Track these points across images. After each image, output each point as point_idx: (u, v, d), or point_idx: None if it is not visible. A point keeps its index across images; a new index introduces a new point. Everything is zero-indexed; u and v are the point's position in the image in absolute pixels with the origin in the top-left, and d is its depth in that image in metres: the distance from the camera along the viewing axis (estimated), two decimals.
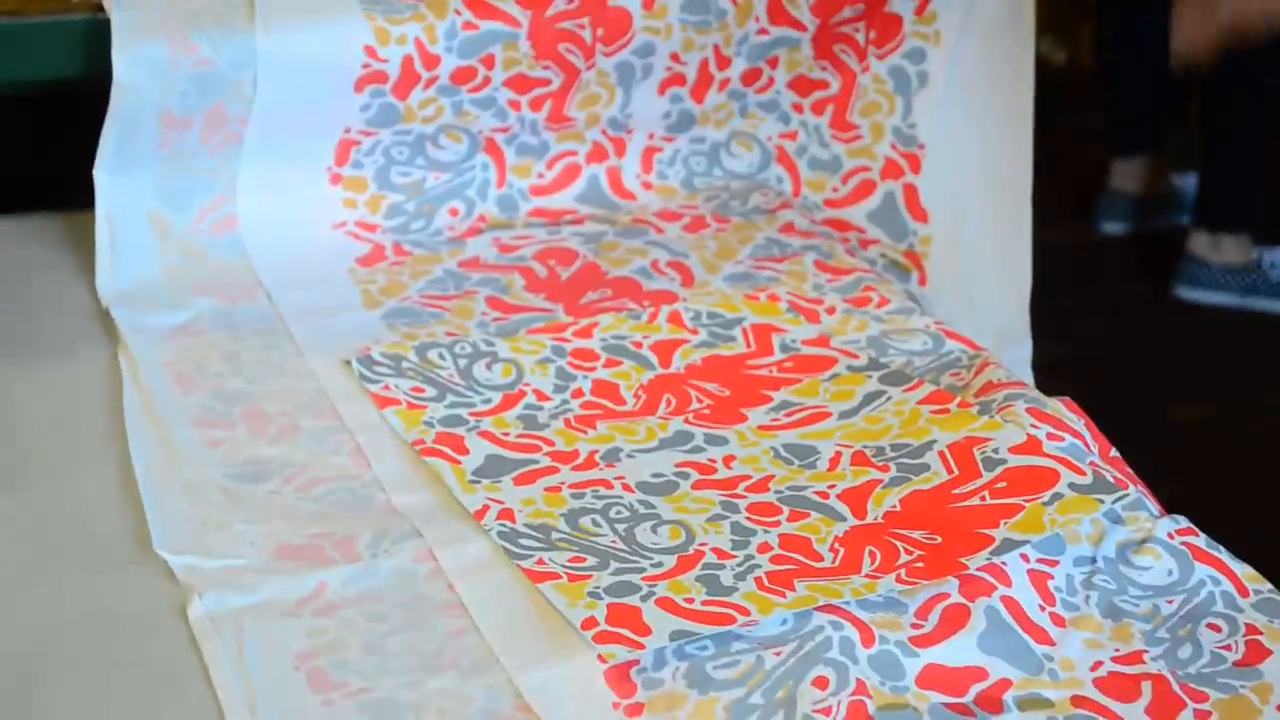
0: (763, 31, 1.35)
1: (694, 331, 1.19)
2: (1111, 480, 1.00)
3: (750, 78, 1.37)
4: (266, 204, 1.27)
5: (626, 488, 1.03)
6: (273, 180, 1.27)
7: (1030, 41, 1.44)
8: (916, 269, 1.39)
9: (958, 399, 1.09)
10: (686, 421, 1.10)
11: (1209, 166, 2.80)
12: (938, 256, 1.39)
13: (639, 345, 1.17)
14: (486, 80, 1.29)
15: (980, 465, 1.02)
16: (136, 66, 1.19)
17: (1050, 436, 1.03)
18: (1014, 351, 1.35)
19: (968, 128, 1.41)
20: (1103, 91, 2.95)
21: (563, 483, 1.03)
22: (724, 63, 1.35)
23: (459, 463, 1.05)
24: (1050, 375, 1.32)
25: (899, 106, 1.39)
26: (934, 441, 1.05)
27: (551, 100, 1.32)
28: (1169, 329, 2.68)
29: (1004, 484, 1.00)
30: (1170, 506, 1.04)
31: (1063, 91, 2.96)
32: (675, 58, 1.33)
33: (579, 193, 1.35)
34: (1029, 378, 1.32)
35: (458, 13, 1.26)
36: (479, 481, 1.03)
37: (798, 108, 1.39)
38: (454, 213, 1.32)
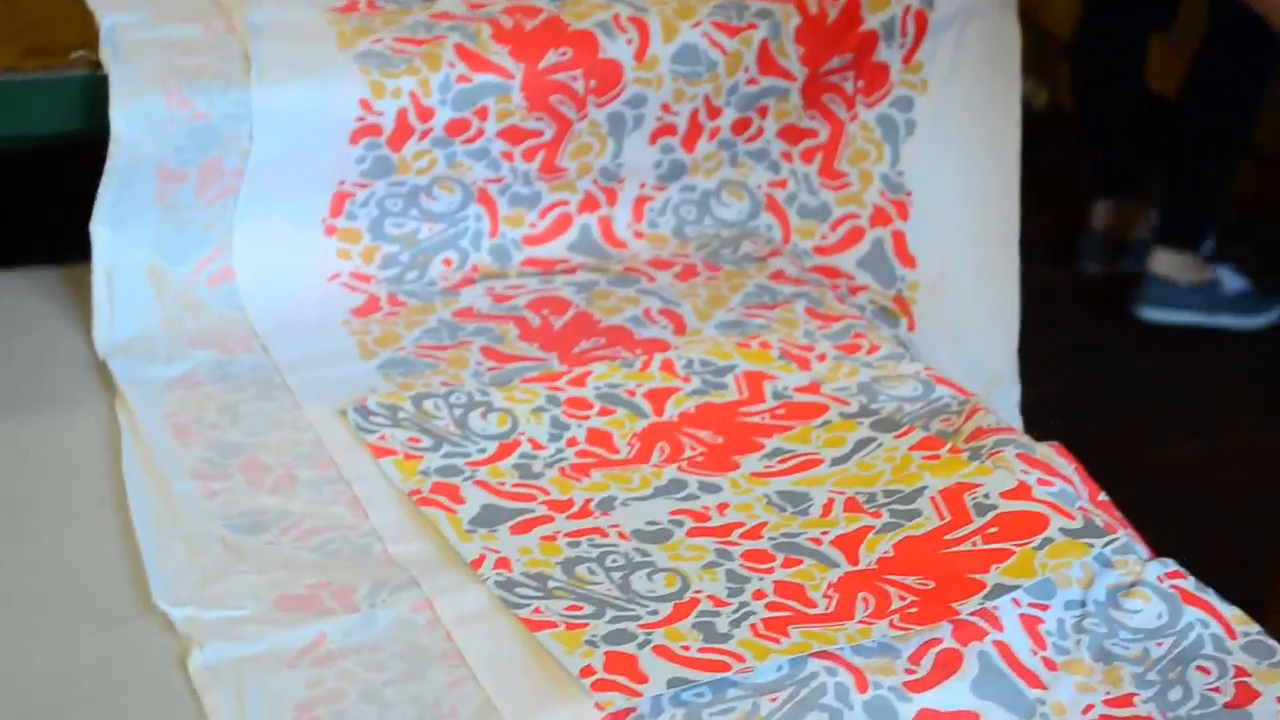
0: (752, 81, 1.36)
1: (686, 379, 1.20)
2: (1101, 525, 1.02)
3: (740, 127, 1.39)
4: (262, 256, 1.28)
5: (622, 536, 1.04)
6: (269, 232, 1.28)
7: (1016, 88, 1.46)
8: (905, 315, 1.40)
9: (948, 445, 1.10)
10: (680, 469, 1.11)
11: (1179, 186, 2.83)
12: (926, 302, 1.41)
13: (632, 394, 1.18)
14: (480, 132, 1.30)
15: (971, 511, 1.03)
16: (134, 121, 1.20)
17: (1040, 482, 1.05)
18: (1003, 396, 1.37)
19: (955, 174, 1.43)
20: (1081, 133, 2.97)
21: (558, 531, 1.04)
22: (714, 112, 1.37)
23: (455, 512, 1.06)
24: (1035, 416, 1.33)
25: (887, 154, 1.41)
26: (925, 487, 1.06)
27: (544, 151, 1.34)
28: (1153, 366, 2.70)
29: (995, 529, 1.01)
30: (1159, 547, 1.06)
31: (1045, 132, 2.99)
32: (666, 108, 1.35)
33: (571, 242, 1.37)
34: (1018, 422, 1.33)
35: (451, 66, 1.28)
36: (475, 531, 1.04)
37: (787, 156, 1.41)
38: (448, 263, 1.34)
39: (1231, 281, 2.80)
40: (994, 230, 1.44)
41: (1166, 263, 2.77)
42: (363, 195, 1.30)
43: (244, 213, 1.27)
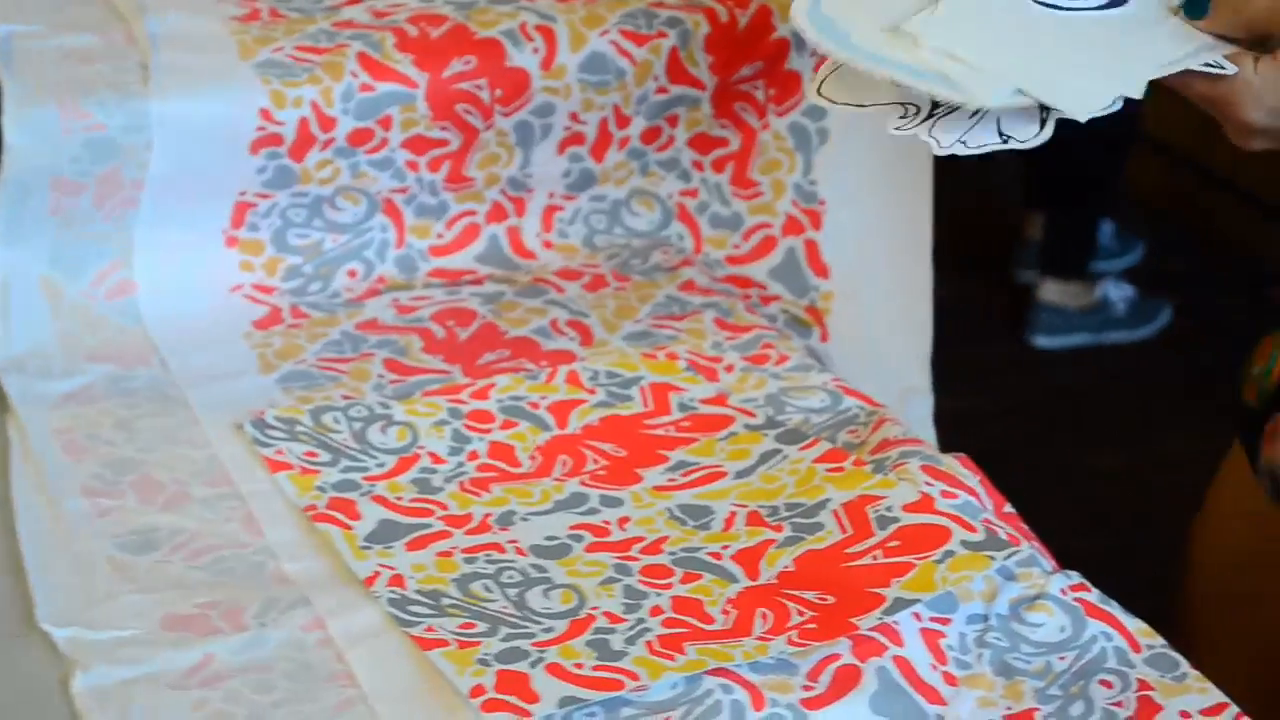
0: (662, 90, 1.35)
1: (591, 391, 1.18)
2: (1004, 537, 1.01)
3: (650, 136, 1.37)
4: (163, 268, 1.26)
5: (519, 551, 1.02)
6: (169, 244, 1.26)
7: None
8: (818, 325, 1.39)
9: (853, 457, 1.09)
10: (582, 483, 1.10)
11: (1056, 216, 2.85)
12: (839, 312, 1.40)
13: (536, 406, 1.17)
14: (384, 142, 1.28)
15: (874, 524, 1.02)
16: (27, 133, 1.18)
17: (944, 494, 1.04)
18: (916, 408, 1.35)
19: (868, 183, 1.42)
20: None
21: (455, 547, 1.02)
22: (624, 121, 1.36)
23: (351, 528, 1.04)
24: (961, 428, 1.32)
25: (799, 163, 1.40)
26: (828, 500, 1.05)
27: (450, 161, 1.32)
28: (1081, 378, 2.71)
29: (896, 542, 1.00)
30: (1067, 559, 1.05)
31: None
32: (575, 117, 1.34)
33: (479, 252, 1.35)
34: (931, 434, 1.32)
35: (354, 75, 1.26)
36: (370, 547, 1.02)
37: (698, 165, 1.40)
38: (352, 274, 1.32)
39: (1119, 295, 2.83)
40: (907, 239, 1.43)
41: (1054, 291, 2.80)
42: (265, 206, 1.28)
43: (143, 225, 1.25)
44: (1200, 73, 0.92)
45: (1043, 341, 2.81)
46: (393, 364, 1.22)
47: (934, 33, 0.93)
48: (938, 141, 0.92)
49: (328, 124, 1.25)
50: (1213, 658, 1.04)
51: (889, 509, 1.02)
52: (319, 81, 1.25)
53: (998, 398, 2.55)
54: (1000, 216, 3.02)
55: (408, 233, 1.34)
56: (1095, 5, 0.95)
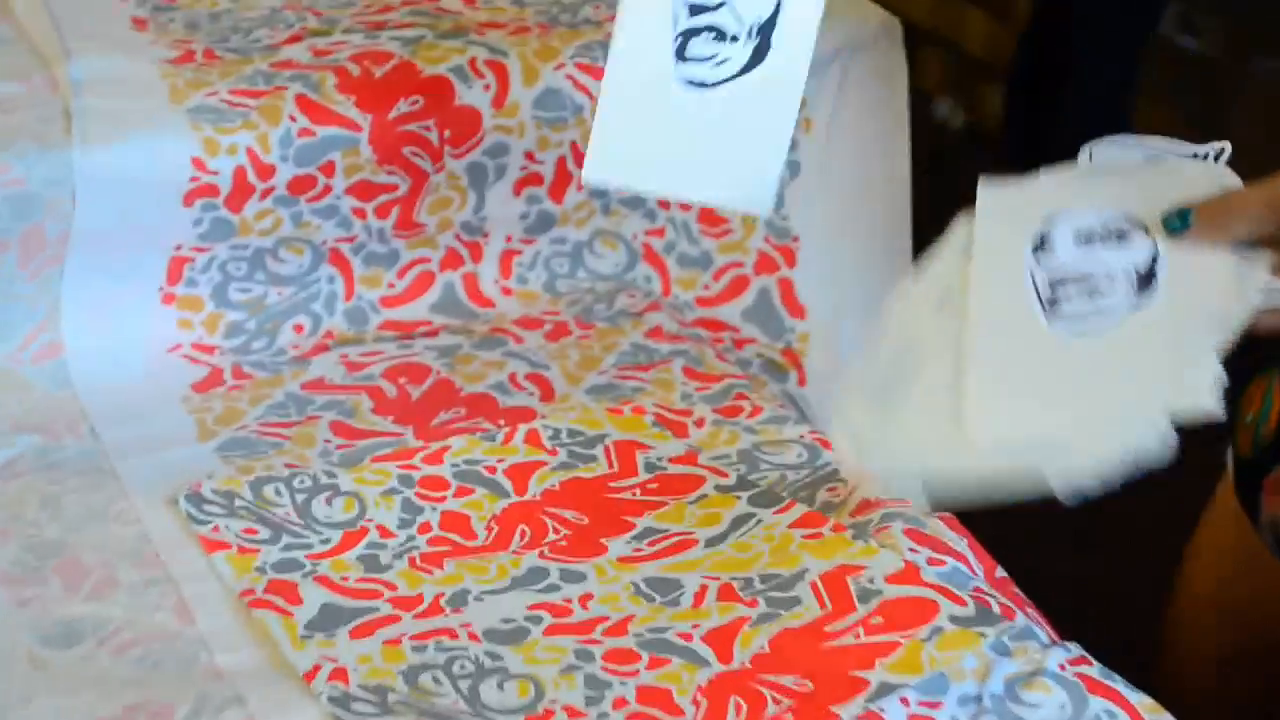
0: None
1: (553, 452, 1.11)
2: (997, 610, 0.93)
3: None
4: (94, 329, 1.18)
5: (473, 636, 0.94)
6: (100, 303, 1.18)
7: (904, 124, 1.38)
8: (795, 368, 1.32)
9: (831, 521, 1.01)
10: (541, 556, 1.02)
11: None
12: (817, 354, 1.32)
13: (493, 470, 1.09)
14: (327, 189, 1.21)
15: (855, 597, 0.94)
16: None
17: (930, 561, 0.96)
18: None
19: (844, 217, 1.35)
20: (1010, 164, 2.90)
21: (403, 634, 0.95)
22: (583, 159, 1.28)
23: (291, 615, 0.96)
24: None
25: None
26: (806, 571, 0.97)
27: (399, 206, 1.24)
28: None
29: (880, 619, 0.92)
30: (1063, 627, 0.98)
31: (966, 152, 2.92)
32: (530, 156, 1.26)
33: (433, 302, 1.27)
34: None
35: (292, 119, 1.18)
36: (311, 636, 0.94)
37: (664, 203, 1.32)
38: (299, 329, 1.24)
39: None
40: (887, 274, 1.36)
41: None
42: (202, 260, 1.20)
43: (71, 283, 1.17)
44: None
45: None
46: (340, 427, 1.14)
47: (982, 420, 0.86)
48: None
49: (266, 172, 1.18)
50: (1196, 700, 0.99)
51: (871, 580, 0.95)
52: (255, 127, 1.17)
53: None
54: None
55: (357, 283, 1.26)
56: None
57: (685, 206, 1.32)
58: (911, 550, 0.97)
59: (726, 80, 0.98)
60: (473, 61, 1.24)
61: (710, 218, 1.33)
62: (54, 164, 1.13)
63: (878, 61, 1.34)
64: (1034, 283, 0.88)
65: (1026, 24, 2.74)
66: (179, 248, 1.19)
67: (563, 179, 1.29)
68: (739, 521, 1.03)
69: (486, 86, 1.23)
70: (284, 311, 1.24)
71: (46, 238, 1.15)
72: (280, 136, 1.18)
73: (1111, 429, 0.83)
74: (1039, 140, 2.78)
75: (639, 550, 1.02)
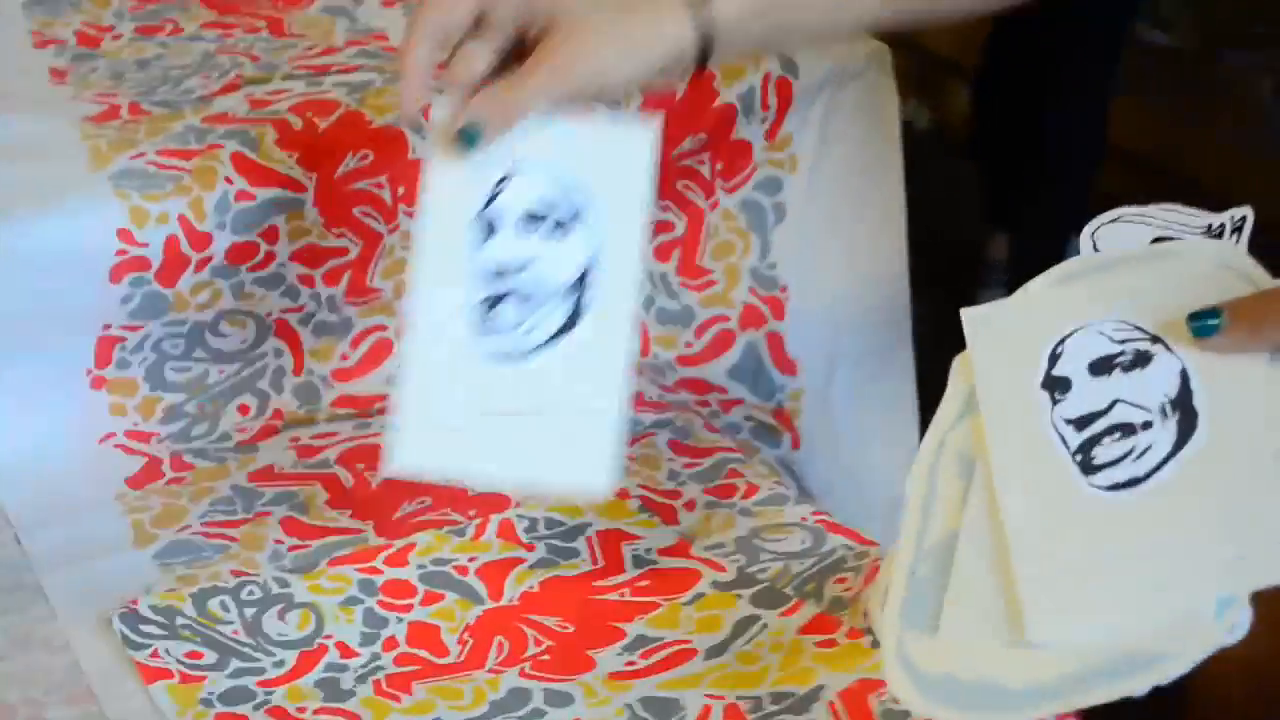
0: None
1: (530, 547, 1.00)
2: None
3: None
4: (15, 421, 1.07)
5: None
6: (22, 390, 1.07)
7: (897, 153, 1.27)
8: (788, 429, 1.21)
9: (845, 625, 0.90)
10: (522, 674, 0.91)
11: (1021, 235, 2.71)
12: (810, 413, 1.22)
13: (464, 571, 0.98)
14: (270, 256, 1.09)
15: None
16: None
17: None
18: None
19: (835, 262, 1.24)
20: (978, 164, 2.81)
21: None
22: None
23: None
24: None
25: (755, 245, 1.22)
26: (821, 688, 0.86)
27: (350, 271, 1.13)
28: None
29: None
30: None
31: (930, 155, 2.82)
32: None
33: (391, 373, 1.16)
34: None
35: (229, 181, 1.07)
36: None
37: None
38: (244, 410, 1.12)
39: None
40: (883, 319, 1.26)
41: None
42: (134, 339, 1.09)
43: None
44: None
45: None
46: (292, 525, 1.02)
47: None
48: None
49: (201, 241, 1.06)
50: None
51: (896, 700, 0.84)
52: (187, 191, 1.06)
53: None
54: (961, 234, 2.86)
55: (306, 357, 1.14)
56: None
57: (662, 258, 1.21)
58: None
59: (539, 348, 0.90)
60: (426, 110, 1.12)
61: (690, 269, 1.22)
62: None
63: (866, 92, 1.23)
64: (1060, 437, 0.77)
65: (994, 21, 2.65)
66: (107, 327, 1.08)
67: None
68: (742, 626, 0.93)
69: None
70: (227, 391, 1.12)
71: None
72: (216, 202, 1.06)
73: (1191, 616, 0.72)
74: (1011, 142, 2.69)
75: (632, 664, 0.91)
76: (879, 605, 0.80)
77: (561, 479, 0.91)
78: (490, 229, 0.91)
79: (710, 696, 0.88)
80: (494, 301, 0.89)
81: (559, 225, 0.90)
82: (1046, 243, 2.69)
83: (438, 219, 0.90)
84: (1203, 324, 0.76)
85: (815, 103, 1.21)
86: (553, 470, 0.90)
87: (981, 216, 2.87)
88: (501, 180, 0.91)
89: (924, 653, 0.76)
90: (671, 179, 1.20)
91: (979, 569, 0.76)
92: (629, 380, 0.90)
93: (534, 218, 0.91)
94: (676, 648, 0.92)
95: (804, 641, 0.90)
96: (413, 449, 0.88)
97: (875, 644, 0.88)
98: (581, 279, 0.90)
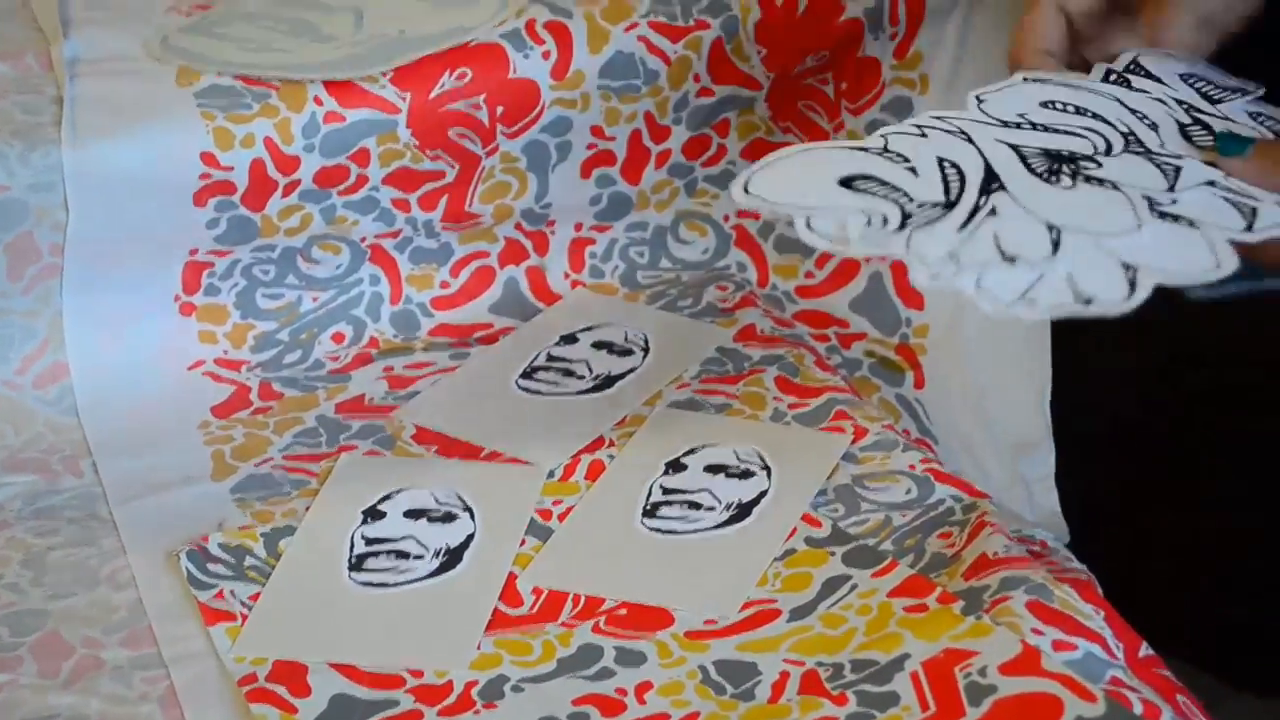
0: (705, 92, 1.11)
1: None
2: (1138, 707, 0.76)
3: (695, 148, 1.13)
4: (104, 347, 1.04)
5: None
6: (109, 317, 1.04)
7: None
8: (912, 367, 1.14)
9: (938, 589, 0.84)
10: (596, 629, 0.86)
11: None
12: (937, 350, 1.15)
13: (547, 516, 0.94)
14: (362, 179, 1.05)
15: (963, 694, 0.77)
16: None
17: (1057, 645, 0.79)
18: (1034, 466, 1.10)
19: None
20: None
21: None
22: (661, 133, 1.11)
23: (295, 711, 0.81)
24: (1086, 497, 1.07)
25: None
26: (906, 657, 0.80)
27: (447, 195, 1.08)
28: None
29: None
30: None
31: None
32: (598, 132, 1.09)
33: (494, 301, 1.12)
34: (1054, 500, 1.07)
35: (318, 101, 1.03)
36: None
37: None
38: (338, 338, 1.09)
39: None
40: None
41: None
42: (223, 264, 1.06)
43: (73, 295, 1.03)
44: None
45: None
46: (375, 459, 0.99)
47: None
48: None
49: (288, 165, 1.02)
50: None
51: (983, 672, 0.78)
52: (275, 113, 1.02)
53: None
54: None
55: (405, 284, 1.10)
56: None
57: None
58: (1034, 631, 0.79)
59: (410, 583, 0.89)
60: (530, 25, 1.07)
61: None
62: (38, 166, 0.98)
63: (1003, 9, 1.15)
64: None
65: None
66: (194, 252, 1.05)
67: (638, 156, 1.12)
68: (831, 585, 0.87)
69: (546, 54, 1.07)
70: (321, 319, 1.09)
71: (38, 247, 1.01)
72: (304, 123, 1.02)
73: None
74: None
75: (711, 622, 0.86)
76: None
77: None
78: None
79: (789, 662, 0.82)
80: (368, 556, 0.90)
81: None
82: None
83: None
84: (1231, 145, 0.80)
85: (950, 19, 1.14)
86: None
87: None
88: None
89: None
90: (792, 100, 1.14)
91: None
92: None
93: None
94: (759, 607, 0.87)
95: (892, 605, 0.84)
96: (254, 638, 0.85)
97: (966, 610, 0.82)
98: (465, 543, 0.91)
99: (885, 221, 0.73)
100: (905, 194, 0.75)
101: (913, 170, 0.77)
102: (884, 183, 0.76)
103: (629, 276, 1.14)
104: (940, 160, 0.78)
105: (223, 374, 1.06)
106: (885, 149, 0.79)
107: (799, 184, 0.76)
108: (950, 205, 0.75)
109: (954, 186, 0.76)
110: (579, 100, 1.08)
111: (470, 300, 1.12)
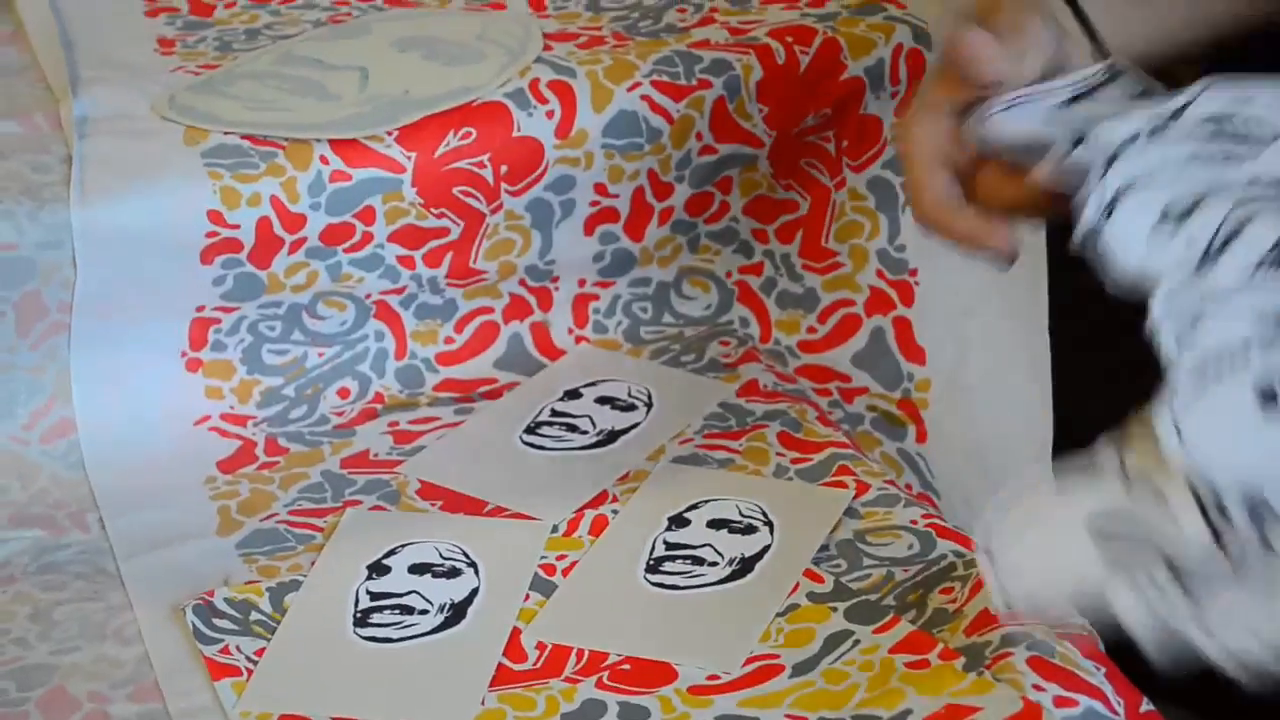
0: (708, 150, 1.12)
1: None
2: None
3: (698, 205, 1.14)
4: (110, 403, 1.05)
5: None
6: (116, 373, 1.05)
7: None
8: (914, 422, 1.15)
9: (940, 645, 0.85)
10: (599, 685, 0.87)
11: None
12: (939, 405, 1.15)
13: (550, 571, 0.94)
14: (367, 237, 1.06)
15: None
16: None
17: (1058, 701, 0.79)
18: None
19: None
20: None
21: None
22: (664, 190, 1.12)
23: None
24: None
25: (884, 226, 1.16)
26: (908, 713, 0.81)
27: (452, 252, 1.09)
28: None
29: None
30: None
31: None
32: (601, 189, 1.11)
33: (499, 356, 1.12)
34: None
35: (324, 160, 1.04)
36: None
37: (760, 236, 1.16)
38: (344, 394, 1.10)
39: None
40: (1018, 304, 1.18)
41: None
42: (230, 320, 1.07)
43: (80, 352, 1.04)
44: None
45: None
46: (381, 514, 0.99)
47: None
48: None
49: (294, 223, 1.03)
50: None
51: None
52: (281, 172, 1.03)
53: None
54: None
55: (410, 339, 1.11)
56: None
57: (785, 239, 1.16)
58: (1035, 687, 0.80)
59: (414, 638, 0.90)
60: (534, 84, 1.08)
61: (814, 250, 1.16)
62: (47, 225, 1.00)
63: None
64: None
65: None
66: (201, 309, 1.05)
67: (640, 213, 1.13)
68: (833, 641, 0.88)
69: (550, 113, 1.08)
70: (327, 375, 1.10)
71: (46, 305, 1.02)
72: (310, 182, 1.03)
73: None
74: None
75: (714, 677, 0.86)
76: None
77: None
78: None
79: (791, 718, 0.83)
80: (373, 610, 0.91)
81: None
82: None
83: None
84: None
85: None
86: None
87: None
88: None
89: None
90: (794, 157, 1.15)
91: None
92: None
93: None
94: (762, 662, 0.87)
95: (895, 661, 0.85)
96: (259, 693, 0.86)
97: (968, 666, 0.83)
98: (469, 598, 0.92)
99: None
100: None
101: None
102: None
103: (632, 332, 1.15)
104: None
105: (229, 429, 1.07)
106: None
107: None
108: None
109: None
110: (582, 158, 1.09)
111: (474, 356, 1.12)
